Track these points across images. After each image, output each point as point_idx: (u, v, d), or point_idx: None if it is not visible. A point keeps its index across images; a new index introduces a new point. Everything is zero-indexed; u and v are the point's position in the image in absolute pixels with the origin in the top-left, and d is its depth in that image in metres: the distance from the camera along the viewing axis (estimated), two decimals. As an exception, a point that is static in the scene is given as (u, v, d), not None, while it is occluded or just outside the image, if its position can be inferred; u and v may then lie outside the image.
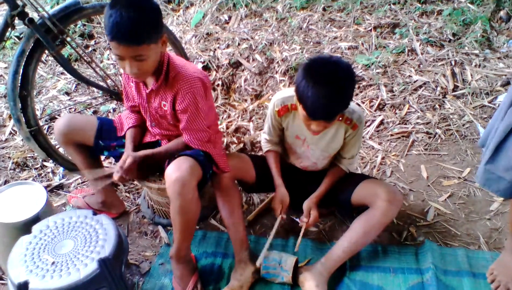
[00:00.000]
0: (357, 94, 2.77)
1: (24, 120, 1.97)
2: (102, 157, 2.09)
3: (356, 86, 2.75)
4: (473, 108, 2.64)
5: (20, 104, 1.94)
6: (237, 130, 2.66)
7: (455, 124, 2.55)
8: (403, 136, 2.53)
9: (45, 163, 2.47)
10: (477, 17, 3.22)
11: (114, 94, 2.30)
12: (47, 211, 1.71)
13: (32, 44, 1.93)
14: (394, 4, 3.49)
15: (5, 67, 3.35)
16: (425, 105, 2.67)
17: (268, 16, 3.47)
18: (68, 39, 2.03)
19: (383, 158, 2.40)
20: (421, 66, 2.91)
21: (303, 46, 3.09)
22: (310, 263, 1.83)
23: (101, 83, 2.31)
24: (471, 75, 2.81)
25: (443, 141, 2.48)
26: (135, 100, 1.80)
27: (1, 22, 1.91)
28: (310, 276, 1.69)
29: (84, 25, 3.55)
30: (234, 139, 2.57)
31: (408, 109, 2.67)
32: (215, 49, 3.12)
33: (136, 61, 1.46)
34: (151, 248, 1.98)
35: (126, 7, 1.37)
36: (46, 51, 1.99)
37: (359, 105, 2.69)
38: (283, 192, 1.83)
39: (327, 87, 1.44)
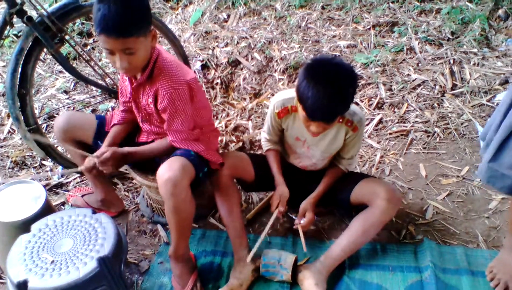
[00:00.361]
0: (355, 93, 2.77)
1: (23, 118, 1.96)
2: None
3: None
4: (472, 106, 2.64)
5: (18, 103, 1.94)
6: (236, 128, 2.65)
7: (453, 123, 2.55)
8: (401, 135, 2.53)
9: (43, 162, 2.47)
10: (475, 15, 3.23)
11: (113, 93, 2.29)
12: (46, 209, 1.71)
13: (31, 42, 1.92)
14: (392, 2, 3.50)
15: (4, 66, 3.34)
16: (424, 104, 2.67)
17: (267, 14, 3.47)
18: (67, 37, 2.02)
19: (382, 156, 2.40)
20: (419, 64, 2.91)
21: (302, 45, 3.09)
22: (309, 262, 1.84)
23: (100, 82, 2.31)
24: (470, 73, 2.82)
25: (442, 139, 2.48)
26: (128, 96, 1.79)
27: (-1, 20, 1.91)
28: (309, 274, 1.69)
29: (82, 23, 3.54)
30: (233, 137, 2.57)
31: (407, 107, 2.67)
32: (213, 48, 3.12)
33: (126, 55, 1.45)
34: (150, 246, 1.98)
35: (114, 0, 1.37)
36: (45, 49, 1.99)
37: (357, 104, 2.69)
38: (284, 190, 1.83)
39: (328, 88, 1.43)
